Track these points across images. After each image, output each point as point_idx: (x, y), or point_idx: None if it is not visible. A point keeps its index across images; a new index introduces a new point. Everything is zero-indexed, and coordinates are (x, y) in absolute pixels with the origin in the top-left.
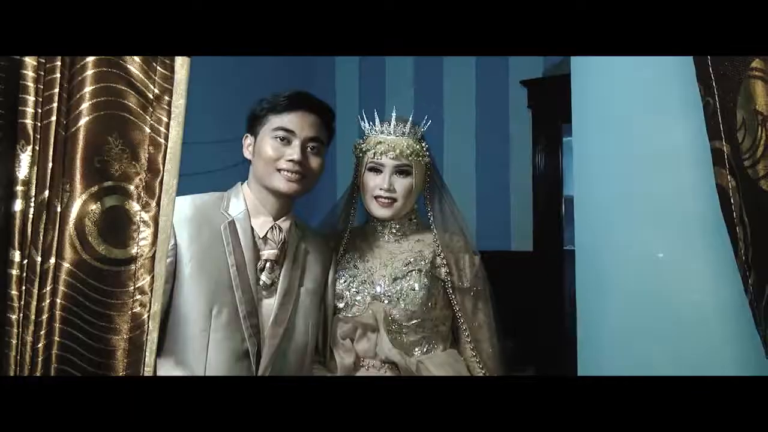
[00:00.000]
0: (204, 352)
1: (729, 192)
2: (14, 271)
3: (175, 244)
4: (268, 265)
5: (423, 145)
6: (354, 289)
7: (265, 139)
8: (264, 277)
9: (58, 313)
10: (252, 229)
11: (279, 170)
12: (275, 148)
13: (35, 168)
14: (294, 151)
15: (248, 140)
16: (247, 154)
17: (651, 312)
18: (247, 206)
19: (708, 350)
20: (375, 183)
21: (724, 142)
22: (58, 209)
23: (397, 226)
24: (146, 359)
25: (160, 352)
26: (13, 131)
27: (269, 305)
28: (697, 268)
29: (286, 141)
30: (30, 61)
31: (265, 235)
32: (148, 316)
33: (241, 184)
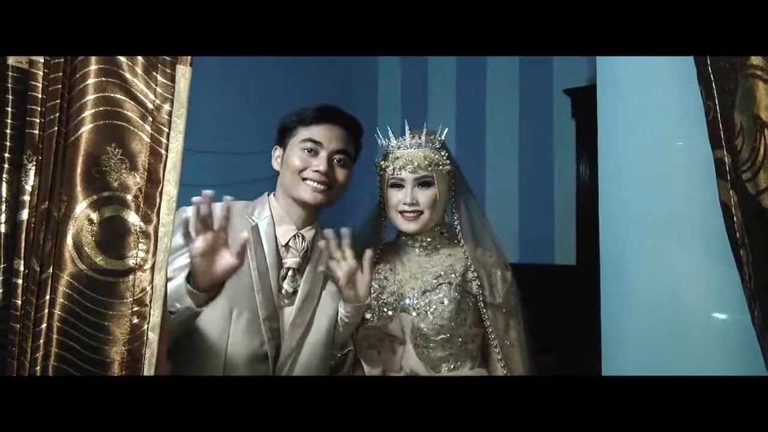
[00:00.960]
0: (223, 354)
1: (732, 209)
2: (19, 281)
3: None
4: (290, 273)
5: (442, 154)
6: (382, 300)
7: (293, 150)
8: (286, 285)
9: (55, 323)
10: (275, 236)
11: (305, 180)
12: (302, 158)
13: (38, 178)
14: (320, 162)
15: (277, 152)
16: (275, 165)
17: (675, 325)
18: (271, 214)
19: (733, 366)
20: (398, 198)
21: (725, 152)
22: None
23: (428, 240)
24: (145, 371)
25: (176, 353)
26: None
27: (291, 312)
28: (723, 282)
29: (313, 152)
30: (38, 71)
31: (287, 243)
32: (148, 328)
33: (268, 194)
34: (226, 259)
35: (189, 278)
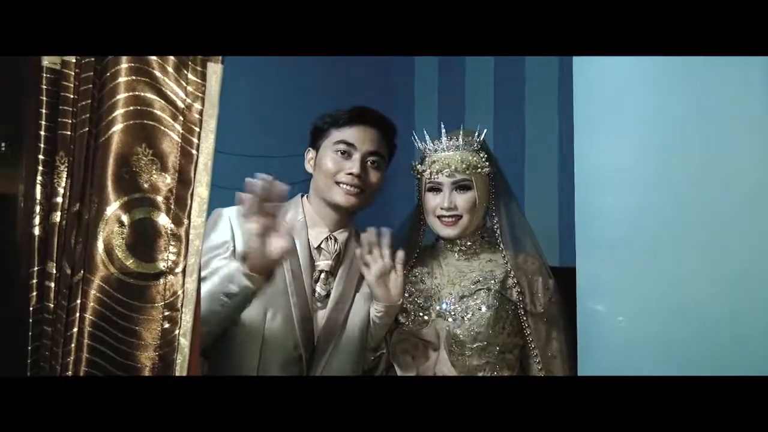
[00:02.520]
0: (257, 356)
1: None
2: (52, 284)
3: (234, 247)
4: (322, 275)
5: (481, 155)
6: (418, 304)
7: (326, 152)
8: (319, 288)
9: (86, 328)
10: (308, 238)
11: (338, 183)
12: (335, 161)
13: (70, 179)
14: (354, 165)
15: (310, 154)
16: (308, 167)
17: (651, 325)
18: (304, 216)
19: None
20: (436, 203)
21: None
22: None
23: (468, 244)
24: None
25: (210, 353)
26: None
27: (324, 315)
28: (698, 283)
29: (346, 155)
30: (70, 71)
31: (320, 246)
32: (179, 333)
33: (301, 196)
34: (278, 241)
35: (243, 261)
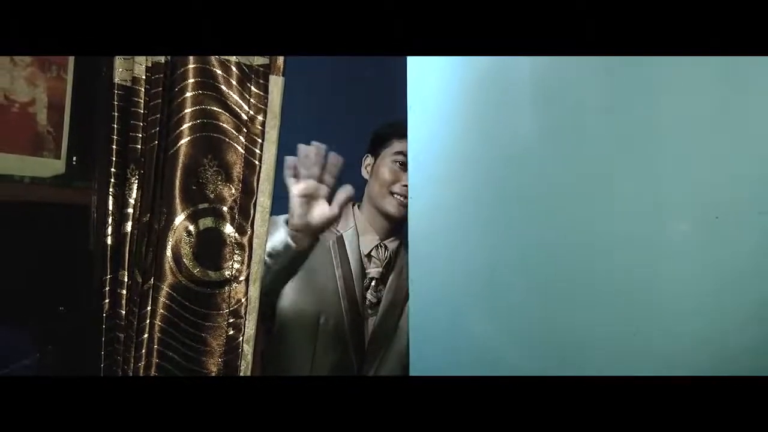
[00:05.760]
0: (310, 361)
1: None
2: (123, 291)
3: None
4: (373, 283)
5: None
6: None
7: (384, 161)
8: (369, 296)
9: (156, 334)
10: (359, 245)
11: (392, 194)
12: (393, 171)
13: (140, 191)
14: None
15: (368, 160)
16: (364, 173)
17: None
18: (355, 224)
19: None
20: None
21: None
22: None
23: None
24: None
25: (268, 356)
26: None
27: (374, 322)
28: (531, 271)
29: (404, 166)
30: (140, 87)
31: (370, 253)
32: (243, 340)
33: (352, 205)
34: (323, 207)
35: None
